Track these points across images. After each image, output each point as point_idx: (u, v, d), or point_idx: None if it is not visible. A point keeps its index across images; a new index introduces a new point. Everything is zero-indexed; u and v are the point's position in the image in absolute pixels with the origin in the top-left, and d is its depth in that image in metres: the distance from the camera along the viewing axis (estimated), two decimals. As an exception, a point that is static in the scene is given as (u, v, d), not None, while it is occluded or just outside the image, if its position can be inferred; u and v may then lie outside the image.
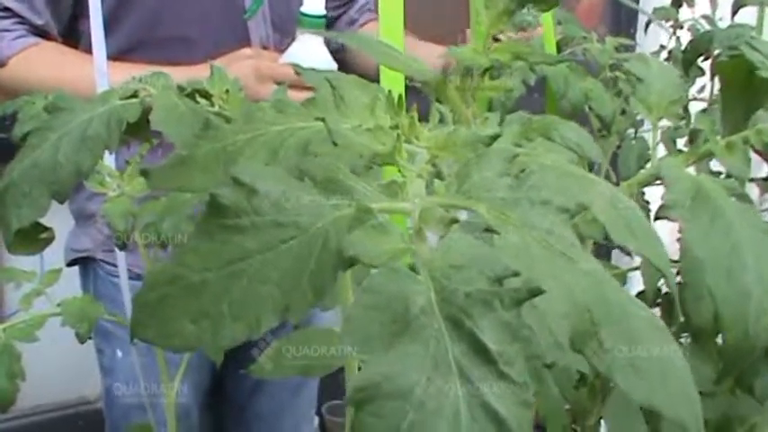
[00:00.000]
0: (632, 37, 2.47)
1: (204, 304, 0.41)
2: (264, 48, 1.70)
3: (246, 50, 1.62)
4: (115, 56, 1.57)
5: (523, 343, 0.36)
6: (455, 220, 0.40)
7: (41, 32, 1.60)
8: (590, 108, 1.32)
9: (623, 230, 0.51)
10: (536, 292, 0.36)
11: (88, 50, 1.50)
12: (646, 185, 0.71)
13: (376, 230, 0.39)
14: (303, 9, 1.59)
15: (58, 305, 1.38)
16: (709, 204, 0.61)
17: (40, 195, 0.73)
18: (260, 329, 0.40)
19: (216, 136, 0.54)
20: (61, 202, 0.74)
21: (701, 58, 1.59)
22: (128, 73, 1.31)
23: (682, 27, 1.91)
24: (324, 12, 1.59)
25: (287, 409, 1.98)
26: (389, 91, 0.56)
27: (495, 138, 0.47)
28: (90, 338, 1.46)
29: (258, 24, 1.69)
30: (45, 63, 1.57)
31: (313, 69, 0.66)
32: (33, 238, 0.82)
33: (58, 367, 2.64)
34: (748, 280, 0.60)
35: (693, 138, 1.11)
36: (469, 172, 0.43)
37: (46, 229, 0.81)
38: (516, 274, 0.37)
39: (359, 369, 0.83)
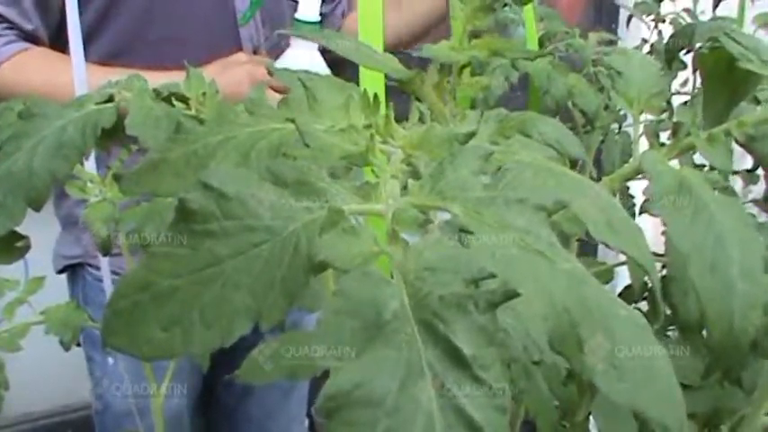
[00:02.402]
0: (614, 32, 2.47)
1: (175, 311, 0.40)
2: (256, 51, 1.69)
3: (241, 56, 1.61)
4: (105, 58, 1.57)
5: (499, 347, 0.35)
6: (429, 221, 0.39)
7: (31, 38, 1.59)
8: (574, 104, 1.32)
9: (604, 227, 0.50)
10: (511, 295, 0.36)
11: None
12: (628, 180, 0.71)
13: (347, 234, 0.38)
14: (297, 15, 1.58)
15: (42, 313, 1.37)
16: (692, 198, 0.60)
17: (16, 204, 0.72)
18: (232, 336, 0.39)
19: (188, 139, 0.53)
20: (37, 210, 0.73)
21: (684, 51, 1.59)
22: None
23: (663, 21, 1.92)
24: (318, 18, 1.59)
25: (277, 412, 1.97)
26: (365, 90, 0.55)
27: (470, 135, 0.46)
28: (79, 345, 1.45)
29: (250, 27, 1.68)
30: (36, 69, 1.56)
31: (289, 71, 0.65)
32: (10, 246, 0.82)
33: (47, 375, 2.63)
34: (733, 274, 0.59)
35: (676, 131, 1.10)
36: (444, 171, 0.42)
37: (22, 237, 0.80)
38: (492, 276, 0.37)
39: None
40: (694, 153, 0.71)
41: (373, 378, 0.33)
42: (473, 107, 0.88)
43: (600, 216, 0.51)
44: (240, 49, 1.66)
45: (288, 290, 0.39)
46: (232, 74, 1.49)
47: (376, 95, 0.54)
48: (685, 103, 0.73)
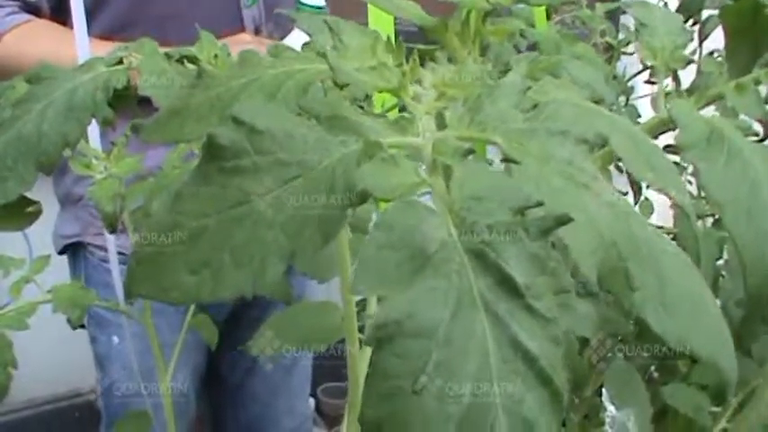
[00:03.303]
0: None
1: (203, 253, 0.38)
2: (257, 31, 1.67)
3: (245, 36, 1.60)
4: (107, 34, 1.55)
5: (552, 276, 0.33)
6: (471, 151, 0.37)
7: (33, 9, 1.57)
8: None
9: (642, 165, 0.49)
10: (564, 221, 0.34)
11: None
12: (655, 133, 0.69)
13: (387, 164, 0.36)
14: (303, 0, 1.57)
15: (49, 292, 1.36)
16: (725, 144, 0.58)
17: (26, 168, 0.70)
18: (265, 277, 0.37)
19: (210, 84, 0.51)
20: (48, 174, 0.71)
21: (690, 22, 1.57)
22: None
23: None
24: (323, 3, 1.57)
25: (281, 388, 1.97)
26: (389, 36, 0.53)
27: (504, 72, 0.44)
28: (83, 327, 1.43)
29: (252, 9, 1.66)
30: (38, 41, 1.54)
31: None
32: (20, 213, 0.80)
33: (52, 361, 2.63)
34: (770, 220, 0.57)
35: (693, 90, 1.08)
36: (482, 104, 0.40)
37: (32, 202, 0.78)
38: (540, 204, 0.35)
39: (360, 345, 0.81)
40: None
41: (424, 308, 0.32)
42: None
43: (638, 154, 0.49)
44: (243, 29, 1.64)
45: (324, 227, 0.37)
46: (235, 53, 1.47)
47: (399, 40, 0.53)
48: (711, 53, 0.71)
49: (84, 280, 1.69)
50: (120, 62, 0.76)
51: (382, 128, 0.40)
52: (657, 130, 0.69)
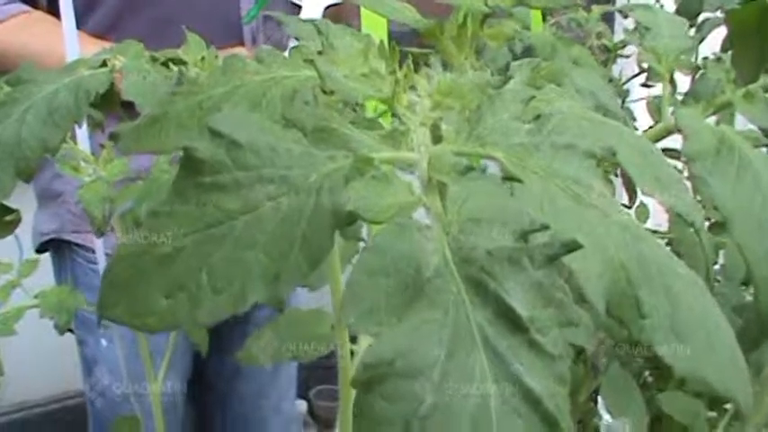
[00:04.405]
0: (612, 5, 2.43)
1: (180, 275, 0.35)
2: (254, 40, 1.65)
3: (242, 50, 1.58)
4: (100, 32, 1.55)
5: (558, 307, 0.30)
6: (470, 168, 0.34)
7: (31, 1, 1.55)
8: None
9: (650, 179, 0.46)
10: (571, 247, 0.31)
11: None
12: (659, 140, 0.66)
13: (378, 181, 0.33)
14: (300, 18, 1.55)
15: (35, 297, 1.33)
16: (735, 155, 0.55)
17: (5, 174, 0.67)
18: (246, 302, 0.34)
19: (191, 90, 0.48)
20: (27, 181, 0.69)
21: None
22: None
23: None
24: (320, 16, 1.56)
25: (268, 390, 1.96)
26: (381, 40, 0.50)
27: (505, 81, 0.41)
28: (71, 331, 1.41)
29: (251, 23, 1.64)
30: (34, 32, 1.52)
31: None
32: (-1, 221, 0.77)
33: (43, 363, 2.61)
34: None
35: (697, 97, 1.06)
36: (482, 116, 0.37)
37: (12, 211, 0.75)
38: (545, 228, 0.32)
39: (351, 354, 0.78)
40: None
41: (417, 346, 0.29)
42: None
43: (646, 167, 0.46)
44: (242, 43, 1.62)
45: (310, 248, 0.34)
46: None
47: (392, 44, 0.50)
48: (719, 59, 0.68)
49: (71, 282, 1.66)
50: (104, 65, 0.73)
51: (373, 141, 0.37)
52: (661, 137, 0.66)
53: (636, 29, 0.67)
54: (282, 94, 0.45)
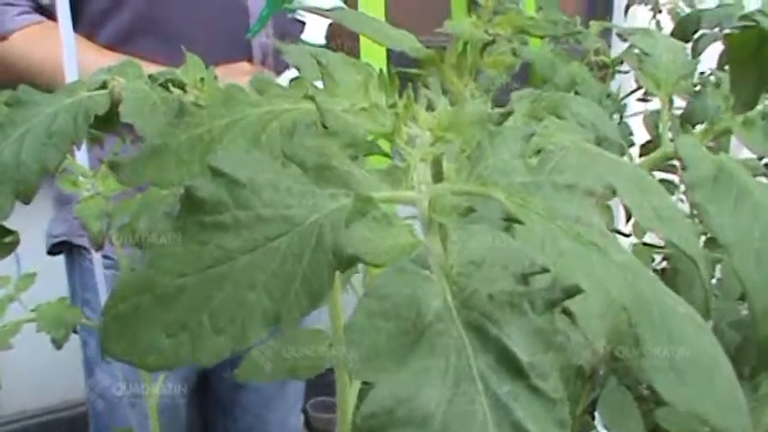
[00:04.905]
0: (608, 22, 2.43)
1: (181, 315, 0.35)
2: (264, 58, 1.65)
3: (245, 65, 1.59)
4: (110, 43, 1.55)
5: (558, 352, 0.30)
6: (471, 210, 0.34)
7: (46, 12, 1.56)
8: (576, 93, 1.31)
9: (651, 215, 0.46)
10: (572, 292, 0.31)
11: (86, 35, 1.51)
12: (657, 166, 0.66)
13: (379, 223, 0.33)
14: (303, 36, 1.56)
15: (33, 310, 1.34)
16: (734, 184, 0.55)
17: (3, 196, 0.67)
18: (247, 342, 0.34)
19: (191, 123, 0.48)
20: (26, 203, 0.68)
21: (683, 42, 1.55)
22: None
23: (660, 11, 1.90)
24: (323, 42, 1.56)
25: (273, 403, 1.94)
26: (381, 69, 0.50)
27: (506, 116, 0.41)
28: (75, 332, 1.41)
29: (261, 39, 1.65)
30: (46, 44, 1.53)
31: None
32: (-4, 242, 0.77)
33: (41, 373, 2.61)
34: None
35: (689, 118, 1.06)
36: (483, 153, 0.37)
37: (10, 232, 0.75)
38: (545, 271, 0.32)
39: (349, 376, 0.78)
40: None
41: (418, 392, 0.29)
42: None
43: (646, 203, 0.46)
44: (249, 59, 1.62)
45: (310, 288, 0.34)
46: (231, 81, 1.46)
47: (392, 75, 0.50)
48: (717, 85, 0.68)
49: (79, 285, 1.68)
50: (104, 86, 0.73)
51: (374, 180, 0.37)
52: (659, 163, 0.66)
53: (631, 47, 0.67)
54: (282, 128, 0.45)
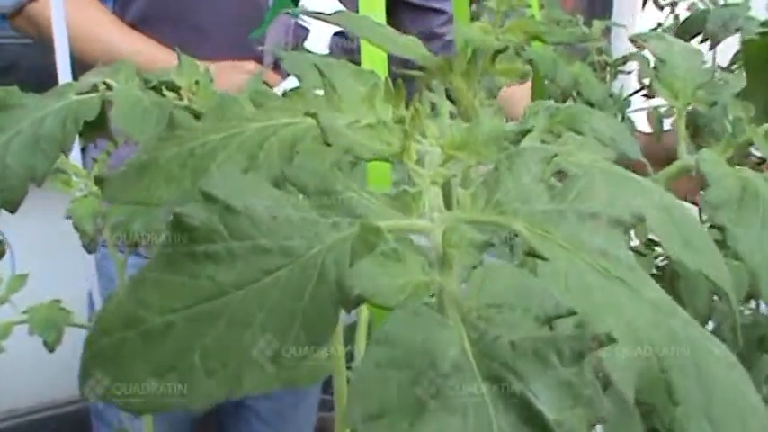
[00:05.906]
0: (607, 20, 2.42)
1: (170, 355, 0.32)
2: (276, 66, 1.63)
3: (251, 64, 1.56)
4: (134, 22, 1.59)
5: (587, 407, 0.27)
6: (490, 244, 0.31)
7: None
8: (578, 93, 1.29)
9: (680, 245, 0.43)
10: (603, 342, 0.28)
11: (119, 12, 1.59)
12: (673, 180, 0.63)
13: (388, 259, 0.30)
14: (306, 45, 1.53)
15: (24, 312, 1.31)
16: (759, 204, 0.52)
17: (-12, 204, 0.64)
18: (242, 387, 0.31)
19: (183, 136, 0.44)
20: (12, 212, 0.65)
21: (699, 40, 1.52)
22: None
23: (677, 3, 1.89)
24: (326, 52, 1.54)
25: (288, 412, 1.92)
26: (386, 79, 0.47)
27: (524, 133, 0.38)
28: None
29: (277, 31, 1.62)
30: (77, 8, 1.51)
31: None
32: (-18, 251, 0.74)
33: (32, 371, 2.58)
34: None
35: (703, 124, 1.03)
36: (500, 178, 0.34)
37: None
38: (572, 313, 0.29)
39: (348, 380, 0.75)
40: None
41: (433, 458, 0.25)
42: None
43: (675, 231, 0.43)
44: (258, 60, 1.61)
45: (313, 327, 0.31)
46: (234, 77, 1.44)
47: (399, 85, 0.47)
48: (738, 95, 0.65)
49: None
50: (95, 89, 0.70)
51: (380, 206, 0.34)
52: (676, 177, 0.63)
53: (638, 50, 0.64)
54: (281, 144, 0.42)
